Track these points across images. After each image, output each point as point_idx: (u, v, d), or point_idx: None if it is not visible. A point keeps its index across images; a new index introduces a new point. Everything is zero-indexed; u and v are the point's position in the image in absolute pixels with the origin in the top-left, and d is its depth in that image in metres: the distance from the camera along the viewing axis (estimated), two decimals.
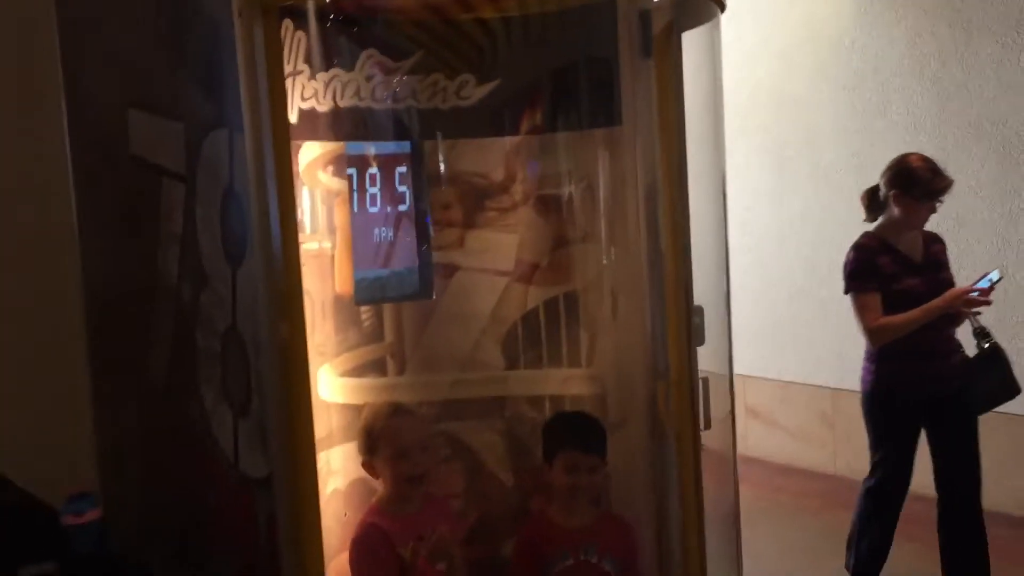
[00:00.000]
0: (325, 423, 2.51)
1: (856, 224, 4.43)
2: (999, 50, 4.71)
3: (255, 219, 1.86)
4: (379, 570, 2.27)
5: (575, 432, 2.43)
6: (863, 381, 3.63)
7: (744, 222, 6.10)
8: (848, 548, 3.84)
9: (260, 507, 2.00)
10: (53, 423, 2.66)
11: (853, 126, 5.42)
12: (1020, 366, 4.38)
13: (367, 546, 2.28)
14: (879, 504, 3.69)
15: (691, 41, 2.32)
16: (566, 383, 2.67)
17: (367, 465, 2.37)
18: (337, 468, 2.53)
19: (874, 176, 4.15)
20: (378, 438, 2.34)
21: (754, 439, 6.15)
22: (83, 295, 2.80)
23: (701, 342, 2.38)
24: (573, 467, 2.36)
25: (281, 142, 1.86)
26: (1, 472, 2.07)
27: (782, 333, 5.98)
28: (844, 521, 5.11)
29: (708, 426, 2.38)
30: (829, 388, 5.73)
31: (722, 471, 2.62)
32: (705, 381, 2.36)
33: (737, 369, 6.48)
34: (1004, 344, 3.59)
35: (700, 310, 2.36)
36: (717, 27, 2.38)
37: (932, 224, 3.72)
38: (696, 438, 2.33)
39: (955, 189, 4.67)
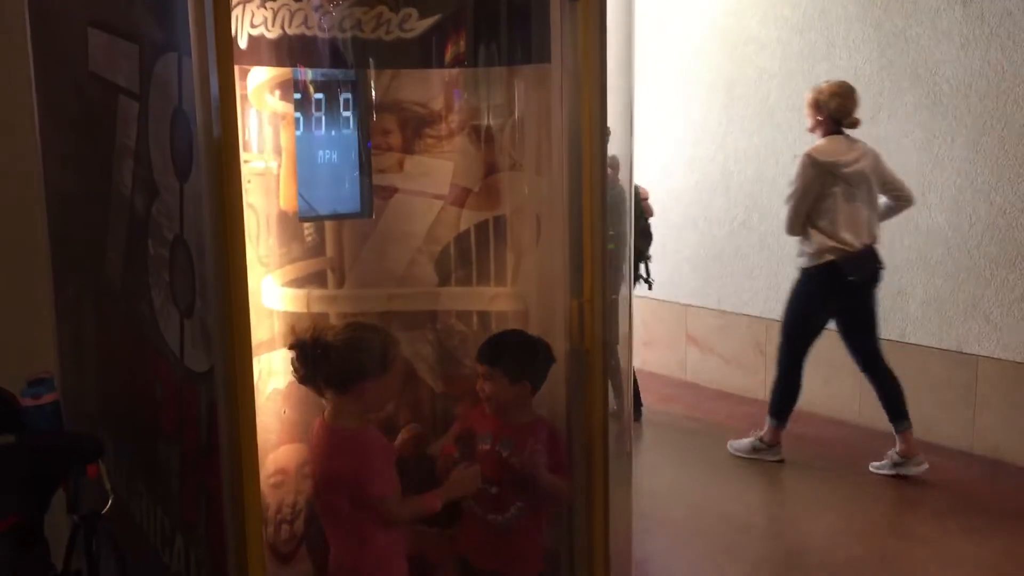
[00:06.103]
0: (268, 328, 2.72)
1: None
2: (937, 0, 4.90)
3: (200, 137, 2.01)
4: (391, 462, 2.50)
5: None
6: None
7: (691, 158, 6.26)
8: None
9: (202, 398, 2.21)
10: (16, 317, 2.85)
11: (799, 68, 5.59)
12: (940, 303, 4.65)
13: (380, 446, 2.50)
14: None
15: None
16: (493, 300, 2.88)
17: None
18: (278, 370, 2.74)
19: None
20: None
21: (692, 364, 6.42)
22: (45, 198, 2.97)
23: (613, 266, 2.60)
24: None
25: (225, 66, 1.98)
26: None
27: (723, 265, 6.20)
28: None
29: (618, 341, 2.63)
30: (764, 318, 5.97)
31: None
32: (614, 302, 2.60)
33: (680, 298, 6.78)
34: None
35: (613, 237, 2.59)
36: None
37: None
38: (605, 352, 2.57)
39: (887, 133, 4.91)
